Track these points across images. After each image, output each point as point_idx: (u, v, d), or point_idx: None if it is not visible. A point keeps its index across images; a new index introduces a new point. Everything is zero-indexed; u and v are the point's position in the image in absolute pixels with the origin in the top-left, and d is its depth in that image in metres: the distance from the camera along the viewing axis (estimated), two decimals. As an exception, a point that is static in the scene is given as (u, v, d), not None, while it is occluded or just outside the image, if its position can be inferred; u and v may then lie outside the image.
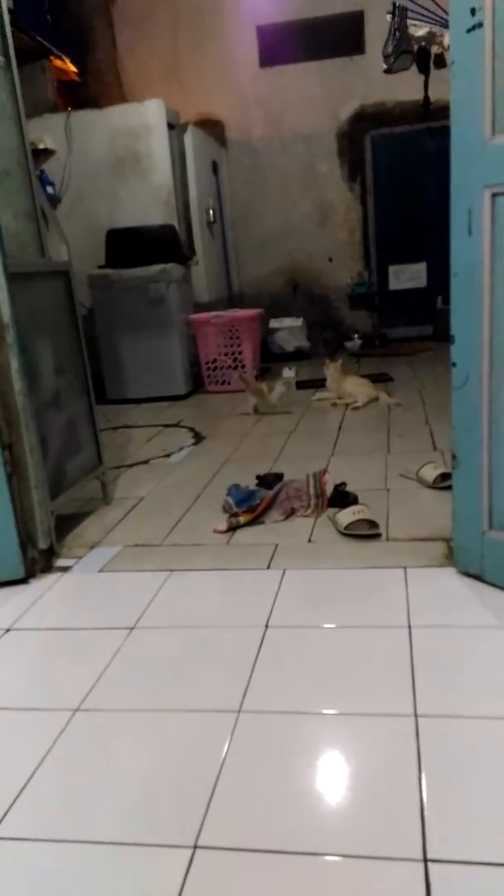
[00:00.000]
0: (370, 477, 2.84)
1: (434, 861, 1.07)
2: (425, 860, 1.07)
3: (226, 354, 5.18)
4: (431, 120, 6.09)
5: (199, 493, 2.88)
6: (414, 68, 4.39)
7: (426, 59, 4.33)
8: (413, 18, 4.04)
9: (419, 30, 4.16)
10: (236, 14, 6.45)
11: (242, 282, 7.11)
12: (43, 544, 2.27)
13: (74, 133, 5.27)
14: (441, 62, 4.22)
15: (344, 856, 1.10)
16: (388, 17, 4.13)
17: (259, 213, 6.94)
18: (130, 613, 1.93)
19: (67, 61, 5.47)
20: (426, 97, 4.52)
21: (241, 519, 2.47)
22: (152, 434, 4.02)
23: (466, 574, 1.94)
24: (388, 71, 4.32)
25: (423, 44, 4.21)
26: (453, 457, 1.89)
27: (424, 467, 2.71)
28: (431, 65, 4.30)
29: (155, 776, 1.32)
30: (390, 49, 4.18)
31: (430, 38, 4.16)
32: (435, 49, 4.20)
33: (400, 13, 4.05)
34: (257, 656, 1.67)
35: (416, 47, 4.20)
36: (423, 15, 4.01)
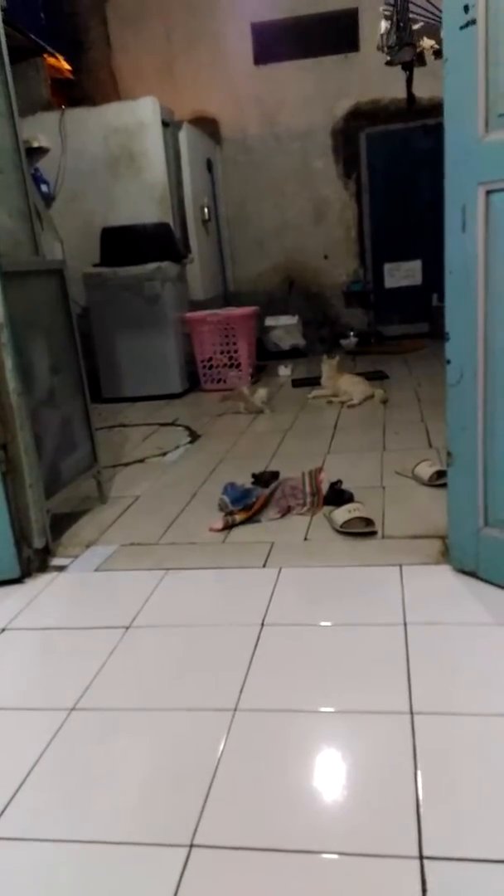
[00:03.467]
0: (366, 475, 2.84)
1: (430, 858, 1.07)
2: (421, 857, 1.07)
3: (221, 353, 5.18)
4: (417, 118, 6.09)
5: (195, 491, 2.88)
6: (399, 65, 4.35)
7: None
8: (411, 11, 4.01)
9: (413, 24, 4.13)
10: (230, 11, 6.44)
11: (238, 280, 7.10)
12: (38, 543, 2.26)
13: (68, 131, 5.25)
14: (421, 60, 4.18)
15: (340, 853, 1.10)
16: (388, 8, 4.07)
17: (254, 210, 6.93)
18: (126, 612, 1.93)
19: (61, 59, 5.45)
20: (410, 94, 4.48)
21: (237, 517, 2.47)
22: (148, 433, 4.01)
23: (462, 571, 1.94)
24: (390, 63, 4.26)
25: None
26: (448, 454, 1.89)
27: (420, 465, 2.71)
28: (414, 61, 4.26)
29: (151, 775, 1.32)
30: (393, 40, 4.12)
31: (423, 32, 4.12)
32: (417, 47, 4.16)
33: (402, 4, 4.01)
34: (253, 655, 1.67)
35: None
36: (422, 7, 3.97)
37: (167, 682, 1.61)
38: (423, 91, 5.07)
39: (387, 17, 4.10)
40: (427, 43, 4.03)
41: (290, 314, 6.48)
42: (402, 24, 4.01)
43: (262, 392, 4.35)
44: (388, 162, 6.78)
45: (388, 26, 4.10)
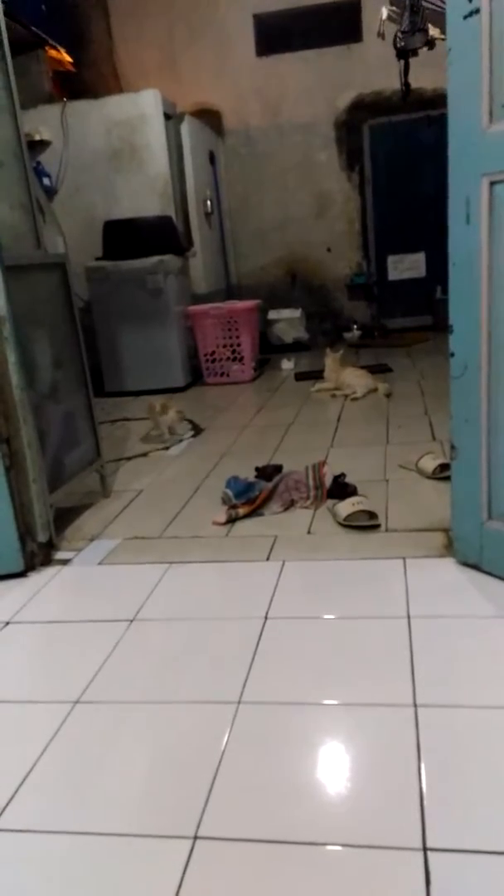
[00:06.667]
0: (369, 468, 2.83)
1: (433, 850, 1.07)
2: (425, 849, 1.07)
3: (224, 346, 5.17)
4: (421, 109, 6.05)
5: (198, 485, 2.88)
6: (390, 54, 4.28)
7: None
8: None
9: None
10: (232, 3, 6.40)
11: (240, 273, 7.08)
12: (42, 537, 2.27)
13: (70, 124, 5.23)
14: (415, 51, 4.13)
15: (344, 845, 1.10)
16: None
17: (257, 203, 6.90)
18: (130, 606, 1.94)
19: (63, 52, 5.43)
20: (406, 84, 4.42)
21: (241, 511, 2.47)
22: (151, 426, 4.00)
23: (465, 564, 1.94)
24: (402, 48, 4.17)
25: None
26: (452, 447, 1.89)
27: (423, 458, 2.70)
28: (410, 51, 4.19)
29: (155, 768, 1.33)
30: (406, 25, 4.03)
31: (426, 20, 4.06)
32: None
33: None
34: (257, 647, 1.67)
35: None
36: None
37: (171, 674, 1.61)
38: (426, 82, 5.06)
39: (391, 2, 4.04)
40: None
41: (293, 307, 6.46)
42: (415, 8, 3.94)
43: (171, 414, 3.65)
44: (391, 154, 6.75)
45: (390, 12, 4.05)
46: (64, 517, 2.57)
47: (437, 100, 5.19)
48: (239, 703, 1.47)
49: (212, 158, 6.40)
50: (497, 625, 1.67)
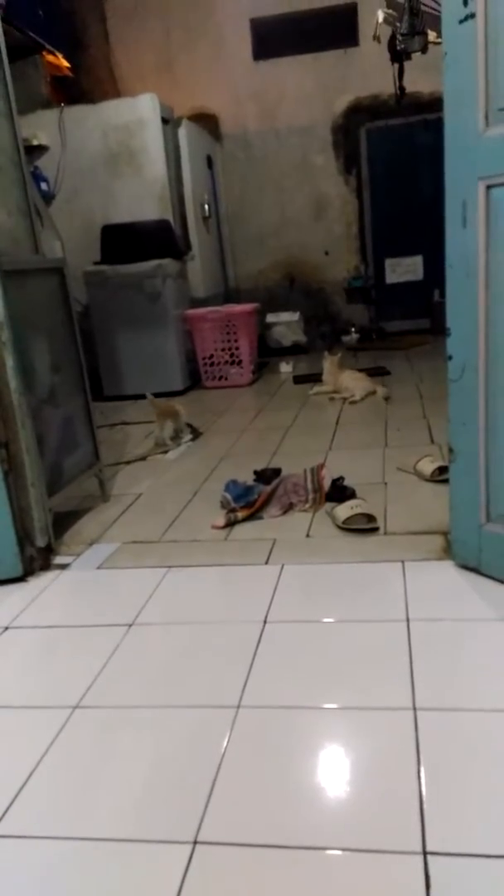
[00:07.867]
0: (368, 471, 2.83)
1: (433, 854, 1.07)
2: (424, 853, 1.07)
3: (223, 350, 5.17)
4: (418, 112, 6.07)
5: (197, 488, 2.88)
6: (386, 58, 4.29)
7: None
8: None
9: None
10: (229, 7, 6.42)
11: (238, 276, 7.09)
12: (41, 542, 2.26)
13: (68, 129, 5.24)
14: (408, 55, 4.14)
15: (344, 849, 1.10)
16: None
17: (254, 207, 6.92)
18: (129, 610, 1.94)
19: (60, 56, 5.43)
20: (401, 87, 4.41)
21: (239, 514, 2.47)
22: (150, 430, 4.00)
23: (464, 567, 1.94)
24: (402, 51, 4.16)
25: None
26: (450, 450, 1.89)
27: (422, 461, 2.71)
28: (403, 55, 4.19)
29: (154, 772, 1.32)
30: (405, 28, 4.03)
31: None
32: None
33: None
34: (256, 651, 1.67)
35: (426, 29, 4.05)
36: None
37: (170, 679, 1.61)
38: (423, 85, 5.07)
39: (388, 5, 4.05)
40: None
41: (291, 311, 6.47)
42: (415, 11, 3.94)
43: (168, 427, 3.61)
44: (388, 157, 6.76)
45: (386, 15, 4.06)
46: (63, 521, 2.57)
47: (434, 103, 5.20)
48: (238, 707, 1.47)
49: (209, 162, 6.42)
50: (496, 627, 1.67)
